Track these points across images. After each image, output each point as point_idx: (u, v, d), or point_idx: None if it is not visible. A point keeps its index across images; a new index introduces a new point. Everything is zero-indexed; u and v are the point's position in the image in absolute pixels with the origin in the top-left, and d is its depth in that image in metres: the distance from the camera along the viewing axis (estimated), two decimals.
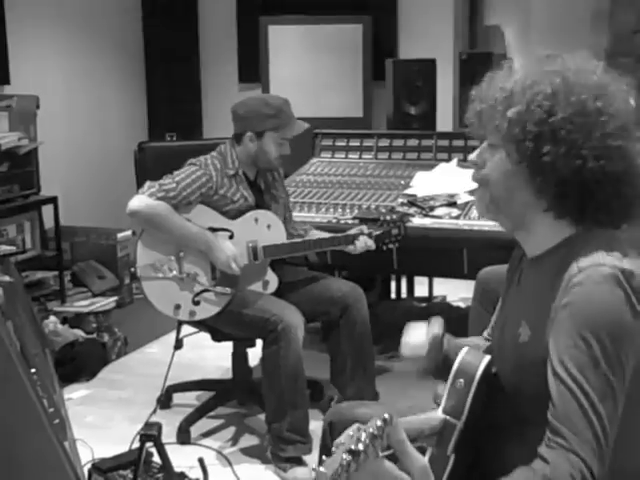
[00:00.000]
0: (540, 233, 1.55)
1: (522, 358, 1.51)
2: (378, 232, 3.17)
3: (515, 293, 1.67)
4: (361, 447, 1.09)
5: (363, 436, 1.11)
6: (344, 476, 1.07)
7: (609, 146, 1.46)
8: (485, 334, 1.87)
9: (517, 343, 1.53)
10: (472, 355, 1.56)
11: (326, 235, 3.24)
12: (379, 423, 1.14)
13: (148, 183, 3.01)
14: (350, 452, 1.08)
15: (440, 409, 1.54)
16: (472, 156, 1.60)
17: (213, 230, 3.04)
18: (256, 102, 3.13)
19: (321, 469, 1.08)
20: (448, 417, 1.51)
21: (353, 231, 3.18)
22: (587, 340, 1.37)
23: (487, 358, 1.55)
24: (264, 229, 3.12)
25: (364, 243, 3.12)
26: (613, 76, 1.55)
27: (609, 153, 1.46)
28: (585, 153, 1.45)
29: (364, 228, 3.18)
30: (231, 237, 3.07)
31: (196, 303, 3.04)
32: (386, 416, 1.15)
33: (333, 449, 1.12)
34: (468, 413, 1.50)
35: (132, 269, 3.07)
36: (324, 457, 1.10)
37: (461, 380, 1.52)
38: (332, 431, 1.90)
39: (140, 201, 2.96)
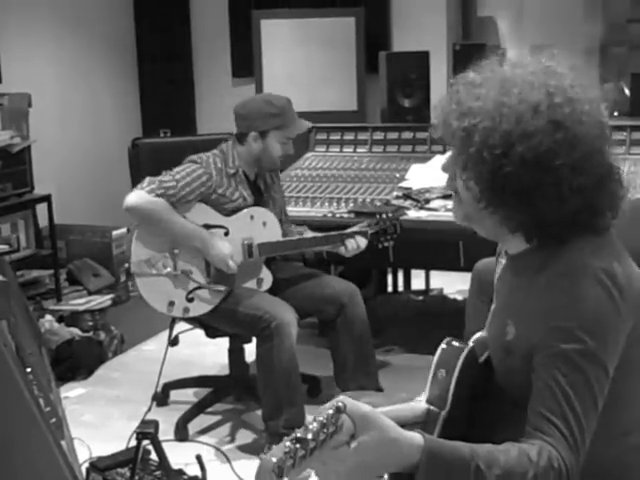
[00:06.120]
0: (511, 241, 1.56)
1: (509, 355, 1.52)
2: (374, 231, 3.16)
3: (500, 287, 1.67)
4: (309, 436, 1.11)
5: (313, 425, 1.13)
6: (289, 462, 1.08)
7: (497, 171, 1.42)
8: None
9: (504, 340, 1.54)
10: (453, 346, 1.57)
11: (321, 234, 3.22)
12: (331, 411, 1.15)
13: (148, 179, 2.98)
14: (297, 440, 1.10)
15: (424, 399, 1.55)
16: (443, 164, 1.57)
17: (208, 227, 3.03)
18: (259, 101, 3.12)
19: (266, 456, 1.08)
20: (432, 407, 1.53)
21: (349, 230, 3.16)
22: (568, 338, 1.38)
23: (468, 347, 1.56)
24: (259, 226, 3.10)
25: (355, 244, 3.10)
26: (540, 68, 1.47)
27: (503, 173, 1.42)
28: (484, 180, 1.45)
29: (361, 226, 3.15)
30: (226, 234, 3.05)
31: (190, 300, 3.03)
32: (339, 404, 1.16)
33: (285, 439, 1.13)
34: (452, 402, 1.51)
35: (126, 264, 3.05)
36: (273, 445, 1.11)
37: (442, 370, 1.54)
38: None
39: (139, 197, 2.94)
